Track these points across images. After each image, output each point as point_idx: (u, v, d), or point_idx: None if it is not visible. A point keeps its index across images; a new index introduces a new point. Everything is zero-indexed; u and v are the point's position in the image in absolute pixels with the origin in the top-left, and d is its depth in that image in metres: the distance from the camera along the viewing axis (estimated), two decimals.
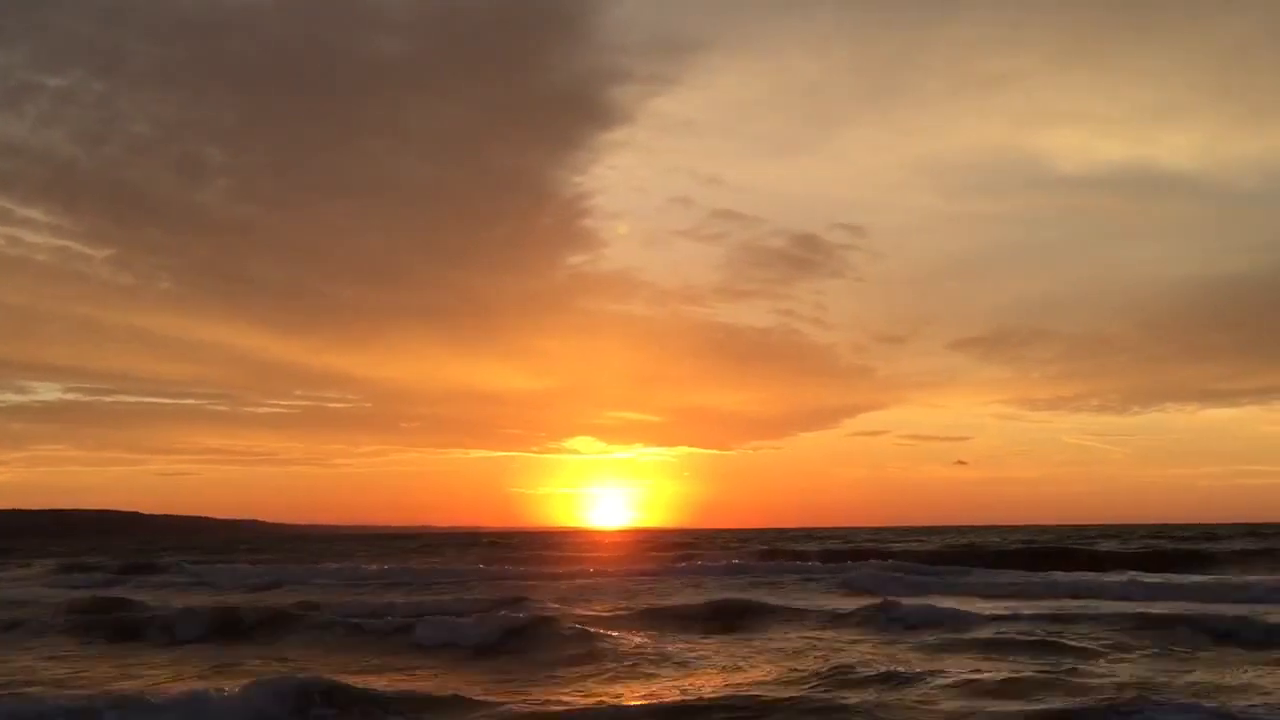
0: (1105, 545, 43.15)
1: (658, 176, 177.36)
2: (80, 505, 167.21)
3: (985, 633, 14.97)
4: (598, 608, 19.79)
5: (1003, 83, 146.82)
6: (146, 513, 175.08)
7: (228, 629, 17.00)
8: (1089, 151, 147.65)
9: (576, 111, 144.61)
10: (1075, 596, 20.95)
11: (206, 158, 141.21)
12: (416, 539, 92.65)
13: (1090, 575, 26.98)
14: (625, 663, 13.13)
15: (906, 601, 18.27)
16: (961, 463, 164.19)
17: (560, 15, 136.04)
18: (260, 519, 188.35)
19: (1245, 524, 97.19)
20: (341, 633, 16.40)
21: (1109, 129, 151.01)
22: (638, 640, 14.81)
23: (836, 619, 17.31)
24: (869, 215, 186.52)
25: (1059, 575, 26.94)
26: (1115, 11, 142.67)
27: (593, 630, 15.31)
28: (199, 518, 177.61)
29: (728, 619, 17.45)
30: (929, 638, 14.86)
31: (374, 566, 37.54)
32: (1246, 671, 11.72)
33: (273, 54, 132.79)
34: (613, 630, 15.65)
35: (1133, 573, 26.69)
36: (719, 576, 29.24)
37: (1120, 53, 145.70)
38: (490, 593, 23.77)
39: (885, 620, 16.51)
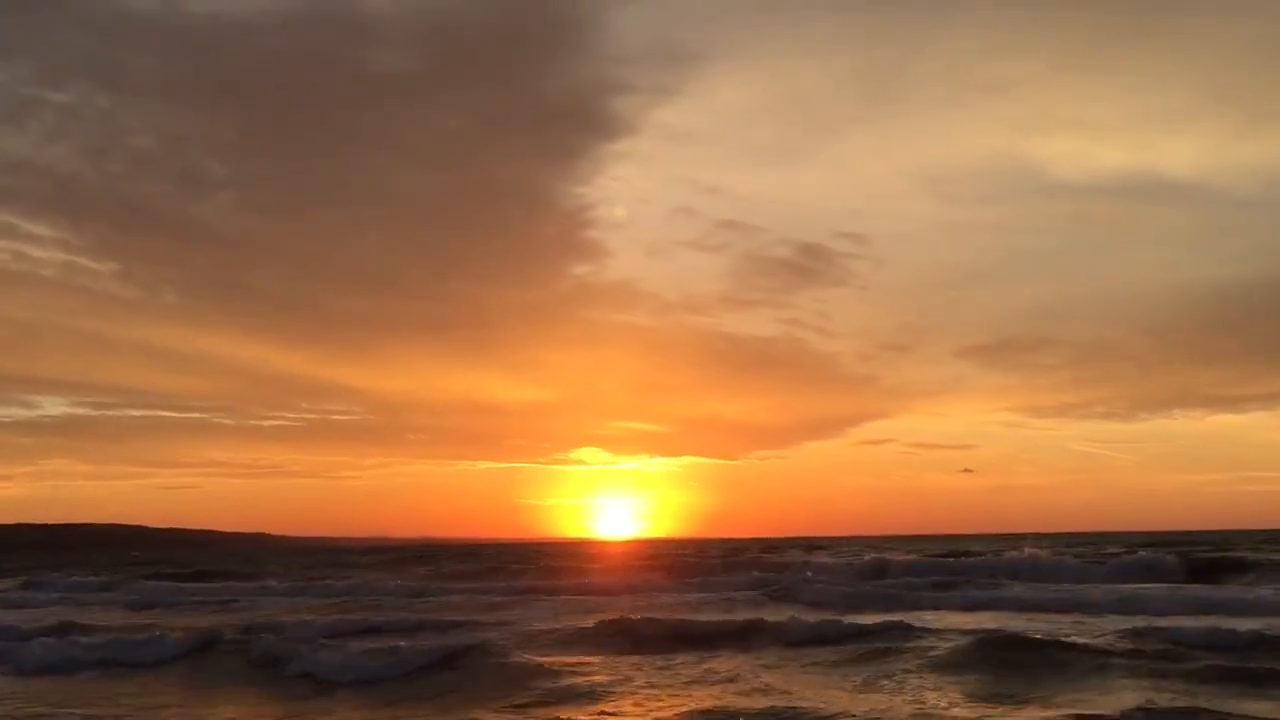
0: (1109, 553, 41.39)
1: (661, 187, 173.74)
2: (86, 519, 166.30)
3: (942, 650, 13.62)
4: (529, 627, 18.33)
5: (1003, 89, 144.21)
6: (153, 526, 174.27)
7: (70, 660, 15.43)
8: (1090, 158, 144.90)
9: (579, 122, 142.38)
10: (1069, 610, 19.81)
11: (209, 171, 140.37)
12: (419, 550, 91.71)
13: (1086, 586, 25.58)
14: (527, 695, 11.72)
15: (868, 619, 17.01)
16: (968, 471, 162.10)
17: (561, 26, 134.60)
18: (268, 532, 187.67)
19: (1253, 530, 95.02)
20: (236, 666, 14.94)
21: (1109, 136, 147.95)
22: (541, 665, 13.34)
23: (765, 638, 15.82)
24: (872, 224, 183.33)
25: (1056, 586, 25.53)
26: (1115, 18, 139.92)
27: (516, 656, 14.34)
28: (207, 531, 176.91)
29: (668, 640, 15.90)
30: (884, 656, 13.61)
31: (341, 582, 36.51)
32: (1247, 687, 10.87)
33: (275, 67, 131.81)
34: (533, 657, 14.27)
35: (1136, 584, 25.38)
36: (681, 593, 27.62)
37: (1120, 59, 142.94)
38: (436, 614, 22.35)
39: (832, 636, 15.25)
